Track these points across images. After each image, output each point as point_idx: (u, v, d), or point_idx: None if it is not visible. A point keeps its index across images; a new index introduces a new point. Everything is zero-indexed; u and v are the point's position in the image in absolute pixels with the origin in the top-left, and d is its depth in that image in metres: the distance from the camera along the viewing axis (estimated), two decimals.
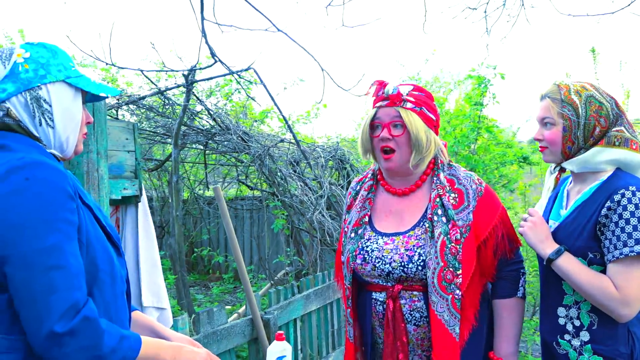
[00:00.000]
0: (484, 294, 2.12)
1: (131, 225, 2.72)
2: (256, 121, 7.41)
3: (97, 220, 1.46)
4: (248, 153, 5.78)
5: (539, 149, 2.04)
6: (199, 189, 8.84)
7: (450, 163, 2.17)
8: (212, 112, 5.81)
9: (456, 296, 1.95)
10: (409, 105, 2.02)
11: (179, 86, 5.53)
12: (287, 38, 3.35)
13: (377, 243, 2.06)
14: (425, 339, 2.02)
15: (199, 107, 6.30)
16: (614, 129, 1.90)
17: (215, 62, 3.82)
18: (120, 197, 2.62)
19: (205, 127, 6.20)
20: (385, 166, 2.08)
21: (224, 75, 5.23)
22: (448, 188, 2.05)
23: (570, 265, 1.84)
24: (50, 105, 1.40)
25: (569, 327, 1.92)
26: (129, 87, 6.82)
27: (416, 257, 1.98)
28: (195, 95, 5.72)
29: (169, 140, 6.67)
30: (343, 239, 2.23)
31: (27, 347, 1.30)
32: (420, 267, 1.97)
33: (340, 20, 4.11)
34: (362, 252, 2.06)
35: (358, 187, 2.25)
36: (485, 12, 4.06)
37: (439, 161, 2.13)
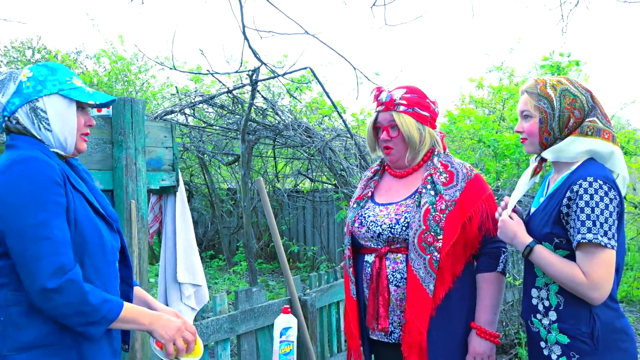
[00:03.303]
0: (469, 269, 2.34)
1: (170, 211, 3.09)
2: (325, 116, 7.70)
3: (89, 203, 1.79)
4: (310, 147, 6.08)
5: (520, 140, 2.19)
6: (276, 182, 9.26)
7: (447, 152, 2.46)
8: (276, 109, 6.15)
9: (434, 257, 2.21)
10: (401, 108, 2.34)
11: (244, 85, 5.91)
12: (328, 41, 3.60)
13: (373, 210, 2.38)
14: (404, 300, 2.26)
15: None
16: (587, 120, 2.01)
17: (261, 64, 4.16)
18: (158, 187, 3.00)
19: (272, 124, 6.56)
20: (387, 160, 2.46)
21: (284, 74, 5.56)
22: (441, 170, 2.35)
23: (541, 258, 1.97)
24: (46, 113, 1.76)
25: (540, 307, 2.05)
26: (201, 88, 7.30)
27: (402, 220, 2.28)
28: (260, 93, 6.08)
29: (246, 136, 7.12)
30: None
31: (29, 302, 1.66)
32: (404, 228, 2.26)
33: (384, 20, 4.29)
34: (360, 218, 2.40)
35: (369, 172, 2.60)
36: None
37: (437, 150, 2.41)
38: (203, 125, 7.24)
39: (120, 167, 2.76)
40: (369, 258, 2.35)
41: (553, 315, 2.01)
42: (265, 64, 3.95)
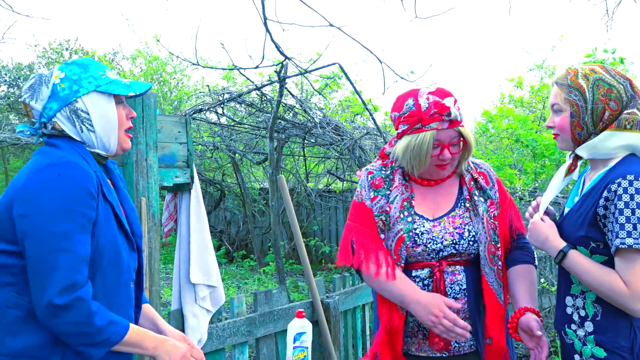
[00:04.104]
0: None
1: (185, 210, 2.99)
2: (357, 114, 7.56)
3: (116, 216, 1.69)
4: (339, 145, 5.95)
5: (553, 136, 2.00)
6: (307, 182, 9.16)
7: None
8: (304, 106, 6.04)
9: (499, 267, 2.12)
10: (463, 121, 2.09)
11: (272, 82, 5.81)
12: (356, 35, 3.44)
13: (424, 226, 2.12)
14: (461, 311, 2.09)
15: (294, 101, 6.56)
16: (625, 112, 1.81)
17: (285, 59, 4.03)
18: (172, 185, 2.90)
19: (301, 122, 6.46)
20: (440, 176, 2.17)
21: (311, 71, 5.42)
22: (474, 171, 2.22)
23: (576, 264, 1.80)
24: (87, 114, 1.67)
25: (575, 317, 1.88)
26: (233, 87, 7.25)
27: (466, 234, 2.10)
28: (288, 90, 5.98)
29: (276, 134, 7.04)
30: (382, 218, 2.16)
31: (29, 308, 1.56)
32: (471, 243, 2.10)
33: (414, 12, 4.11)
34: (412, 236, 2.10)
35: (387, 171, 2.22)
36: None
37: None
38: (232, 123, 7.18)
39: (131, 163, 2.67)
40: (420, 273, 2.12)
41: (589, 327, 1.83)
42: (289, 59, 3.81)
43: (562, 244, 1.84)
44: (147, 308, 1.94)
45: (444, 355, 2.13)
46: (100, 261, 1.62)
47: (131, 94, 1.72)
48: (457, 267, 2.12)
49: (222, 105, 6.64)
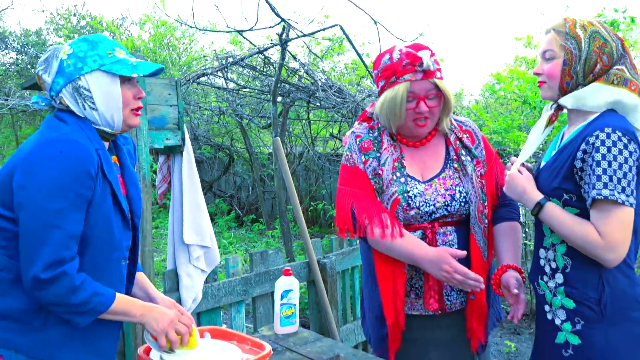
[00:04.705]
0: None
1: (177, 172, 3.03)
2: (363, 77, 7.51)
3: (114, 195, 1.72)
4: (341, 108, 5.94)
5: (538, 84, 2.00)
6: (311, 146, 9.17)
7: None
8: (307, 69, 6.01)
9: (485, 225, 2.14)
10: (438, 74, 2.07)
11: (274, 45, 5.78)
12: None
13: (417, 188, 2.11)
14: None
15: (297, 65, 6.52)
16: (615, 67, 1.83)
17: (282, 21, 4.02)
18: (162, 147, 2.93)
19: (305, 85, 6.43)
20: (419, 132, 2.15)
21: (314, 32, 5.40)
22: (459, 130, 2.20)
23: (553, 216, 1.82)
24: (89, 92, 1.68)
25: (547, 269, 1.92)
26: (240, 51, 7.22)
27: (457, 195, 2.11)
28: (290, 53, 5.95)
29: (279, 98, 7.03)
30: (376, 181, 2.15)
31: (19, 273, 1.61)
32: (462, 204, 2.11)
33: None
34: (406, 199, 2.10)
35: (375, 133, 2.21)
36: None
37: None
38: (237, 87, 7.17)
39: None
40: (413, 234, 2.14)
41: (560, 278, 1.87)
42: (284, 20, 3.80)
43: (539, 196, 1.86)
44: (139, 276, 1.98)
45: (437, 313, 2.17)
46: (90, 239, 1.65)
47: (134, 75, 1.71)
48: (449, 227, 2.14)
49: (225, 70, 6.63)
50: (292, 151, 9.92)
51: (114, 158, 1.83)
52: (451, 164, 2.16)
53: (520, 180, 1.92)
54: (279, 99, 6.97)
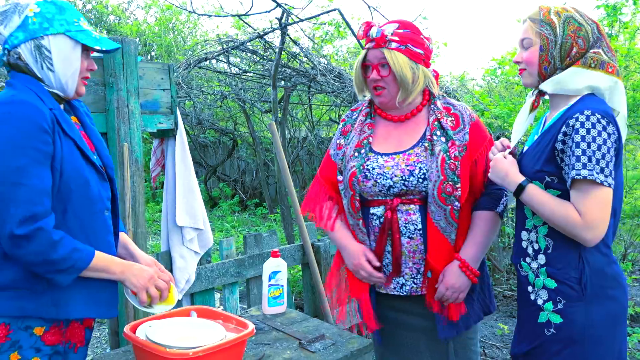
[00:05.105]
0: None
1: (171, 155, 3.06)
2: None
3: (80, 150, 1.75)
4: (340, 92, 5.94)
5: (518, 72, 2.04)
6: (312, 130, 9.17)
7: (444, 95, 2.33)
8: (306, 53, 6.01)
9: (455, 207, 2.12)
10: (393, 45, 2.14)
11: (273, 30, 5.78)
12: None
13: (377, 162, 2.19)
14: (417, 252, 2.17)
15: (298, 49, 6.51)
16: (591, 51, 1.86)
17: (277, 5, 4.02)
18: (155, 130, 2.96)
19: (305, 70, 6.42)
20: (378, 101, 2.27)
21: (312, 17, 5.38)
22: (445, 113, 2.22)
23: (533, 197, 1.85)
24: (50, 53, 1.71)
25: (530, 251, 1.95)
26: (242, 35, 7.20)
27: (417, 171, 2.13)
28: (290, 37, 5.94)
29: (281, 82, 7.03)
30: (339, 160, 2.32)
31: None
32: (420, 180, 2.13)
33: None
34: (363, 171, 2.20)
35: (355, 115, 2.38)
36: None
37: (434, 91, 2.26)
38: (238, 72, 7.17)
39: (112, 110, 2.73)
40: (376, 211, 2.21)
41: (542, 259, 1.90)
42: (280, 5, 3.80)
43: (521, 178, 1.89)
44: (122, 236, 2.03)
45: (402, 294, 2.23)
46: (68, 193, 1.69)
47: (97, 47, 1.76)
48: (412, 206, 2.16)
49: (227, 54, 6.63)
50: (296, 135, 9.93)
51: (73, 118, 1.87)
52: (422, 143, 2.19)
53: (503, 164, 1.95)
54: (281, 83, 6.98)
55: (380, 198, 2.19)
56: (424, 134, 2.21)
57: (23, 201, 1.57)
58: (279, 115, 6.26)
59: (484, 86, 9.22)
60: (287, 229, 6.20)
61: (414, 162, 2.15)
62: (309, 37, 6.20)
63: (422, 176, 2.13)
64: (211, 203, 11.37)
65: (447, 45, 14.85)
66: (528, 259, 1.95)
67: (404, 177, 2.13)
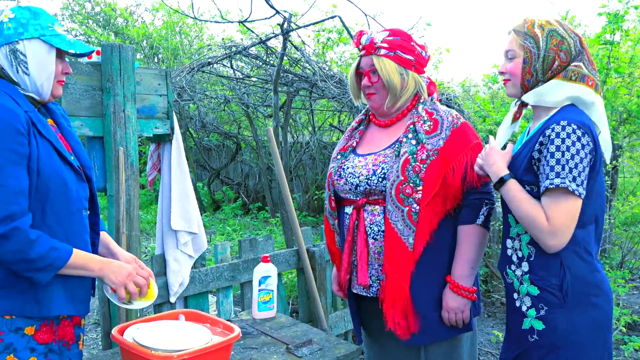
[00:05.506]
0: (448, 223, 2.20)
1: (167, 160, 3.09)
2: None
3: (57, 151, 1.79)
4: (341, 98, 5.97)
5: (503, 82, 2.09)
6: (313, 135, 9.19)
7: (434, 100, 2.33)
8: (306, 59, 6.04)
9: (413, 209, 2.11)
10: (382, 52, 2.22)
11: (276, 35, 5.81)
12: None
13: (352, 162, 2.29)
14: (382, 253, 2.19)
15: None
16: (572, 64, 1.91)
17: (276, 13, 4.05)
18: (152, 135, 3.00)
19: (307, 75, 6.46)
20: (369, 106, 2.35)
21: (314, 23, 5.42)
22: (425, 118, 2.22)
23: (511, 193, 1.88)
24: (25, 57, 1.75)
25: (514, 258, 1.98)
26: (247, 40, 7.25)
27: (379, 171, 2.18)
28: (292, 43, 5.98)
29: (283, 87, 7.07)
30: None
31: None
32: (380, 179, 2.17)
33: None
34: (338, 170, 2.32)
35: (353, 123, 2.48)
36: None
37: (422, 97, 2.29)
38: (240, 76, 7.22)
39: (109, 114, 2.76)
40: (348, 210, 2.28)
41: (525, 267, 1.93)
42: (278, 12, 3.83)
43: (505, 171, 1.93)
44: (103, 235, 2.05)
45: (368, 295, 2.26)
46: (46, 193, 1.72)
47: (71, 51, 1.80)
48: (377, 207, 2.19)
49: (229, 58, 6.67)
50: (299, 140, 9.97)
51: (49, 121, 1.90)
52: (395, 145, 2.22)
53: (496, 154, 1.99)
54: (284, 88, 7.02)
55: (351, 197, 2.26)
56: (399, 136, 2.24)
57: (0, 202, 1.60)
58: (281, 120, 6.29)
59: (487, 92, 9.23)
60: (286, 233, 6.21)
61: (380, 162, 2.21)
62: (306, 45, 6.24)
63: (383, 175, 2.17)
64: (214, 206, 11.41)
65: (450, 52, 14.85)
66: (513, 267, 1.97)
67: (367, 176, 2.20)
